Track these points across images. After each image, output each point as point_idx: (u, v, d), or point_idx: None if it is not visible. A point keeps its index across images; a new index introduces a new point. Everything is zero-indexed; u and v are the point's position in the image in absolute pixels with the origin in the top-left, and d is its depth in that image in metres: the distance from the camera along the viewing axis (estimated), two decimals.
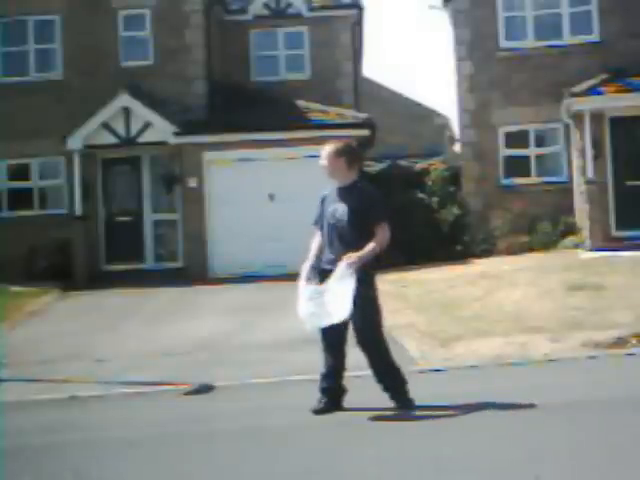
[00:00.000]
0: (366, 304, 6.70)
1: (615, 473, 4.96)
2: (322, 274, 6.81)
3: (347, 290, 6.54)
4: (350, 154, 7.00)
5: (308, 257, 6.96)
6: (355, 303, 6.57)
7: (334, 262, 6.73)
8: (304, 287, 6.81)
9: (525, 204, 19.42)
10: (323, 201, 7.06)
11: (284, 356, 9.98)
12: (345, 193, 6.91)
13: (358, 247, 6.69)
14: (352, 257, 6.62)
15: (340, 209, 6.85)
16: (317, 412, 6.82)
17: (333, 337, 6.83)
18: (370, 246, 6.71)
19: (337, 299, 6.57)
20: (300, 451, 5.92)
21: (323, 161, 6.97)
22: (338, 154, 6.93)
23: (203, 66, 20.55)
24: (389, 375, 6.83)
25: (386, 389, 6.84)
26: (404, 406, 6.73)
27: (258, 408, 7.52)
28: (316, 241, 7.06)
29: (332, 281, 6.64)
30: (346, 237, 6.79)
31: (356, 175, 7.01)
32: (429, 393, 7.01)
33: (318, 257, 6.95)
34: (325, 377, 6.93)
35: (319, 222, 7.05)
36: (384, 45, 68.07)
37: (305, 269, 6.89)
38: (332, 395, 6.89)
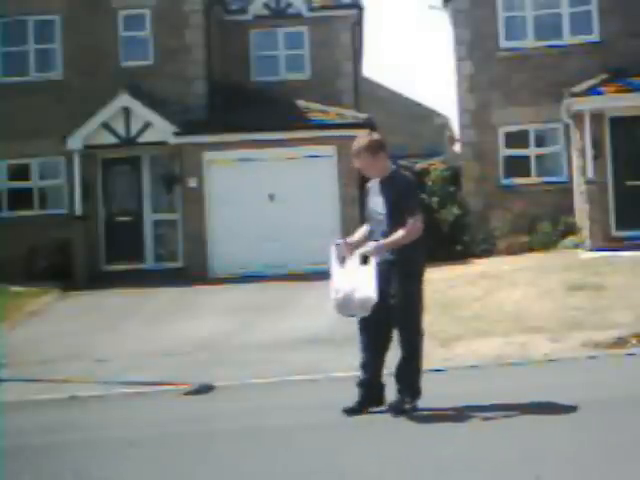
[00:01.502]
0: (406, 299, 6.60)
1: (615, 473, 4.96)
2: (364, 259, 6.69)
3: (369, 275, 6.48)
4: (383, 147, 6.83)
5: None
6: (396, 298, 6.54)
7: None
8: (336, 273, 6.66)
9: (525, 204, 19.42)
10: (367, 193, 6.97)
11: (284, 356, 9.98)
12: (385, 185, 6.79)
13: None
14: (369, 246, 6.59)
15: (380, 203, 6.77)
16: (347, 412, 6.67)
17: (375, 331, 6.69)
18: (394, 236, 6.59)
19: (361, 288, 6.49)
20: (300, 451, 5.92)
21: (358, 164, 6.81)
22: (374, 150, 6.76)
23: (203, 66, 20.55)
24: (410, 374, 6.71)
25: (400, 389, 6.70)
26: (395, 407, 6.63)
27: (258, 408, 7.52)
28: (361, 230, 6.98)
29: (351, 271, 6.59)
30: (384, 229, 6.70)
31: (391, 163, 6.90)
32: (429, 393, 6.99)
33: (355, 242, 6.82)
34: (361, 371, 6.80)
35: (366, 213, 6.98)
36: (384, 45, 68.10)
37: (336, 249, 6.72)
38: (368, 390, 6.74)
